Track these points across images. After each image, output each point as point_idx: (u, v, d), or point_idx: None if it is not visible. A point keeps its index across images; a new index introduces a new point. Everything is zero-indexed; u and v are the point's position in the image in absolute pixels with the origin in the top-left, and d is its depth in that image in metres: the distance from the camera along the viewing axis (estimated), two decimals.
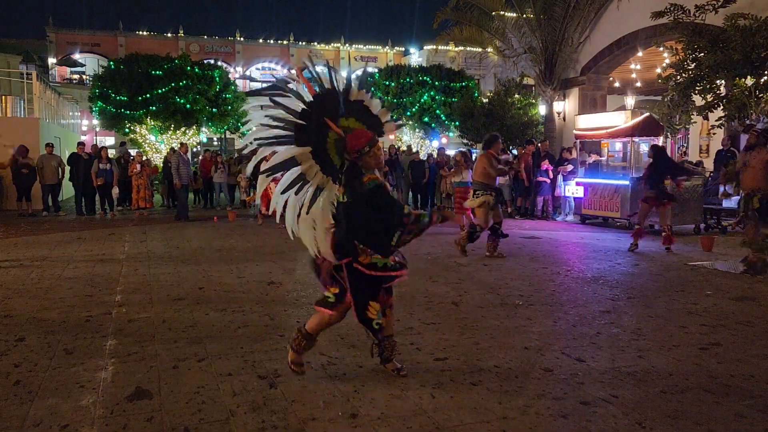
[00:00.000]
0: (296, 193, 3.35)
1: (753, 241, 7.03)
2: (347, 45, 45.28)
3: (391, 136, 27.07)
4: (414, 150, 18.98)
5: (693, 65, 12.28)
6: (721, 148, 13.74)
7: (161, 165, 18.05)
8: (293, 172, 3.34)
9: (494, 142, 8.09)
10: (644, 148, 12.21)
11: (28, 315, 5.11)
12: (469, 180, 9.75)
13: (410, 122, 23.08)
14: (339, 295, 3.49)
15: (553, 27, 17.73)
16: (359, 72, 36.56)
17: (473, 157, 16.63)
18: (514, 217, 13.69)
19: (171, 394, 3.40)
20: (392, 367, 3.66)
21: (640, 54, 16.88)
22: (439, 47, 21.66)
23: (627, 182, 11.13)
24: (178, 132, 21.31)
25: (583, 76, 18.25)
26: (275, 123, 3.33)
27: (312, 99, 3.38)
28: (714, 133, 13.45)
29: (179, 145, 15.08)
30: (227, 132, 24.01)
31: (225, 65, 37.72)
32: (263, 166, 3.35)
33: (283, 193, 3.35)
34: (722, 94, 11.87)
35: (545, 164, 13.27)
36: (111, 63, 21.95)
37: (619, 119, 12.45)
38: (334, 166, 3.41)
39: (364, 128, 3.49)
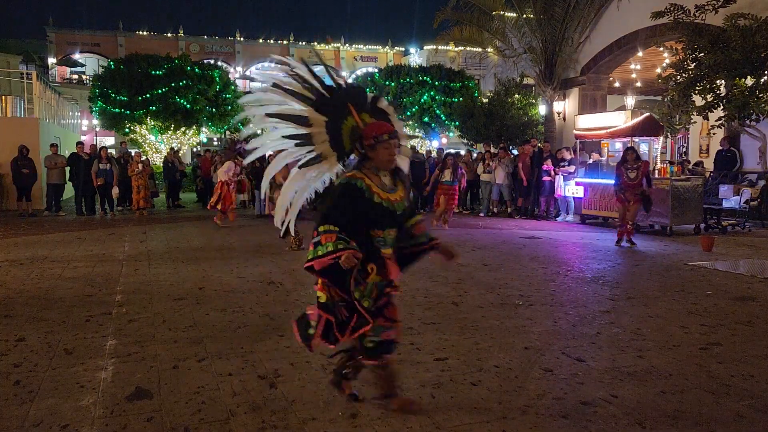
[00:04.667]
0: (296, 146, 3.07)
1: None
2: (347, 45, 45.28)
3: None
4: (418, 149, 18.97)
5: (693, 65, 12.29)
6: (721, 148, 13.76)
7: (161, 165, 18.07)
8: (300, 130, 3.05)
9: None
10: (644, 148, 12.22)
11: (28, 315, 5.11)
12: (454, 179, 11.23)
13: (410, 122, 23.08)
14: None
15: (553, 27, 17.74)
16: (358, 72, 36.33)
17: (473, 156, 16.70)
18: (514, 217, 13.70)
19: (171, 394, 3.40)
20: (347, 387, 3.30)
21: (640, 54, 16.88)
22: (439, 47, 21.72)
23: None
24: (178, 132, 21.31)
25: (583, 76, 18.25)
26: (293, 86, 3.04)
27: (340, 84, 3.14)
28: (714, 133, 13.44)
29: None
30: (227, 132, 23.99)
31: (225, 65, 37.76)
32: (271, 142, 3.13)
33: (285, 138, 3.07)
34: (722, 94, 11.88)
35: (547, 164, 13.27)
36: (111, 63, 21.98)
37: (619, 119, 12.45)
38: (343, 147, 3.09)
39: None
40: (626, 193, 9.09)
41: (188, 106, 20.37)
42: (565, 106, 18.73)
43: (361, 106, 3.13)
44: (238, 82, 33.85)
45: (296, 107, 3.04)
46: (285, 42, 44.09)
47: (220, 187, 11.86)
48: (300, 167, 3.08)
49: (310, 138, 3.05)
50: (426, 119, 23.45)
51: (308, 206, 3.17)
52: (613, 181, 11.61)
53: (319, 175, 3.10)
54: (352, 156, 3.14)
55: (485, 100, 20.60)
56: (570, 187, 12.88)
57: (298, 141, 3.05)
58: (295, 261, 7.92)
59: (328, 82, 3.11)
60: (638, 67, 18.38)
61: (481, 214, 14.42)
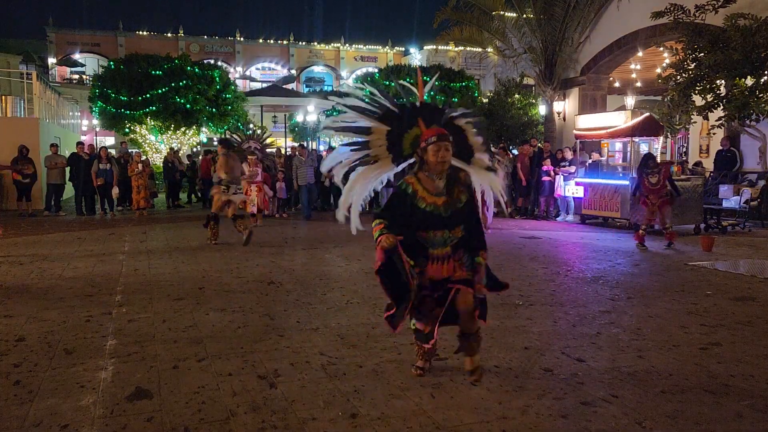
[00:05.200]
0: (351, 151, 3.54)
1: None
2: (347, 45, 45.28)
3: None
4: None
5: (693, 65, 12.29)
6: (721, 148, 13.76)
7: (161, 165, 18.07)
8: (359, 138, 3.53)
9: (222, 144, 9.78)
10: (644, 148, 12.22)
11: (28, 315, 5.11)
12: None
13: None
14: None
15: (553, 27, 17.74)
16: (358, 72, 36.35)
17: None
18: (514, 217, 13.69)
19: (171, 394, 3.40)
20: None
21: (640, 54, 16.88)
22: (439, 47, 21.75)
23: (627, 182, 11.12)
24: (178, 132, 21.31)
25: (583, 76, 18.25)
26: (366, 104, 3.52)
27: (414, 104, 3.55)
28: (714, 133, 13.44)
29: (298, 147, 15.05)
30: (227, 132, 23.99)
31: (225, 65, 37.75)
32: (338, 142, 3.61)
33: (343, 146, 3.56)
34: (722, 94, 11.88)
35: (546, 164, 13.27)
36: (111, 63, 21.95)
37: (619, 119, 12.44)
38: (401, 151, 3.50)
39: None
40: (650, 197, 8.99)
41: (188, 106, 20.35)
42: (565, 106, 18.73)
43: (433, 121, 3.48)
44: (238, 82, 33.85)
45: (362, 122, 3.54)
46: (285, 42, 44.08)
47: (246, 192, 11.69)
48: (356, 167, 3.54)
49: (367, 144, 3.53)
50: None
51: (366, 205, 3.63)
52: (613, 181, 11.71)
53: (378, 175, 3.53)
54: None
55: (485, 100, 20.59)
56: (570, 187, 12.88)
57: (354, 147, 3.54)
58: (295, 261, 7.93)
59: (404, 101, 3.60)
60: (638, 67, 18.38)
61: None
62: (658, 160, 12.50)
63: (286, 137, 26.61)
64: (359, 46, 45.84)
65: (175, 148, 19.90)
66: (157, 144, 21.47)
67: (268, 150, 14.08)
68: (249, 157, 11.86)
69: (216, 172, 9.77)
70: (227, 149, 9.58)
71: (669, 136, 15.71)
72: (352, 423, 3.02)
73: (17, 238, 10.05)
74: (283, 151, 18.01)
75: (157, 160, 20.04)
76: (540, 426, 3.00)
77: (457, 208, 3.37)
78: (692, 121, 14.82)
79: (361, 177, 3.52)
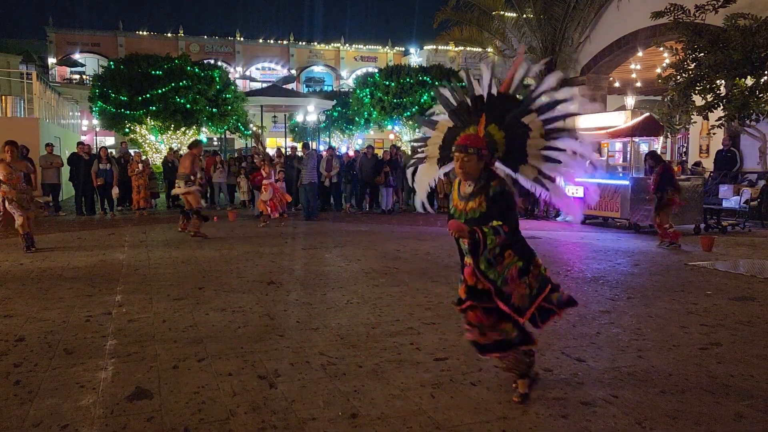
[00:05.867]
0: (417, 149, 3.60)
1: None
2: (347, 45, 45.29)
3: (391, 136, 27.14)
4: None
5: (693, 65, 12.29)
6: (721, 148, 13.76)
7: (161, 165, 18.06)
8: (424, 134, 3.60)
9: (197, 146, 10.63)
10: (644, 148, 12.22)
11: (28, 315, 5.11)
12: None
13: (410, 122, 23.10)
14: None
15: (553, 27, 17.75)
16: (358, 72, 36.14)
17: None
18: None
19: (171, 394, 3.40)
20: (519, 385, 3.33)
21: (640, 54, 16.88)
22: (439, 47, 21.76)
23: (627, 182, 11.12)
24: (178, 132, 21.31)
25: (583, 76, 18.25)
26: (450, 94, 3.45)
27: (492, 94, 3.28)
28: (714, 133, 13.44)
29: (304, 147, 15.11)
30: (227, 132, 23.99)
31: (225, 65, 37.76)
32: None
33: (412, 141, 3.64)
34: (722, 94, 11.88)
35: None
36: (111, 63, 21.94)
37: (619, 119, 12.44)
38: (447, 152, 3.35)
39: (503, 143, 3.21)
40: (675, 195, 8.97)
41: (188, 106, 20.35)
42: None
43: (497, 118, 3.21)
44: (238, 82, 33.85)
45: (435, 117, 3.53)
46: (285, 42, 44.12)
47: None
48: (417, 164, 3.58)
49: (425, 140, 3.53)
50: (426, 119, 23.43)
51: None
52: (613, 181, 11.70)
53: (427, 176, 3.50)
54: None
55: None
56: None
57: (417, 144, 3.61)
58: (295, 261, 7.93)
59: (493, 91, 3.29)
60: (638, 67, 18.38)
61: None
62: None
63: (286, 137, 26.62)
64: (359, 46, 45.87)
65: (175, 148, 19.89)
66: (157, 144, 21.47)
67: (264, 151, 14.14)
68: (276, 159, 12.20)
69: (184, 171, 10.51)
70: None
71: (669, 136, 15.73)
72: (352, 423, 3.02)
73: (17, 239, 10.05)
74: (283, 151, 18.00)
75: (157, 160, 20.03)
76: (540, 426, 3.00)
77: (472, 217, 3.11)
78: (692, 121, 14.82)
79: (421, 175, 3.54)
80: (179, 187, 10.42)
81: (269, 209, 11.74)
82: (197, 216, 10.20)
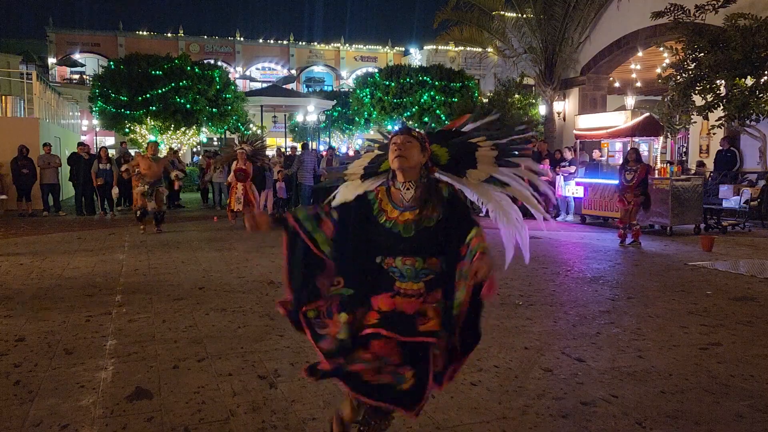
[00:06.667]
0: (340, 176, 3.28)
1: None
2: (347, 45, 45.28)
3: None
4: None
5: (693, 65, 12.29)
6: (721, 148, 13.76)
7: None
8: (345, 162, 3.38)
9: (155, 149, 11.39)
10: (644, 148, 12.23)
11: (28, 315, 5.11)
12: None
13: (410, 122, 23.08)
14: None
15: (553, 27, 17.75)
16: (358, 72, 36.17)
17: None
18: None
19: (171, 394, 3.40)
20: None
21: (640, 54, 16.89)
22: (439, 47, 21.78)
23: None
24: (178, 132, 21.31)
25: (583, 76, 18.26)
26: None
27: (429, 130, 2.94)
28: (714, 133, 13.44)
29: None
30: (227, 132, 23.98)
31: (225, 65, 37.73)
32: None
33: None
34: (722, 94, 11.88)
35: (545, 164, 13.27)
36: (111, 63, 21.93)
37: (619, 119, 12.46)
38: (377, 168, 2.88)
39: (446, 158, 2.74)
40: (626, 195, 9.16)
41: (188, 106, 20.35)
42: (565, 106, 18.73)
43: (440, 141, 2.76)
44: (238, 82, 33.83)
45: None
46: (285, 42, 44.09)
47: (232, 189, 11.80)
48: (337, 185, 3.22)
49: (347, 166, 3.11)
50: (426, 119, 23.45)
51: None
52: (613, 182, 11.70)
53: (351, 191, 2.98)
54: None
55: (485, 100, 20.59)
56: (570, 187, 12.88)
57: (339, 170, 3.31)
58: None
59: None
60: (638, 67, 18.38)
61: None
62: (658, 160, 12.53)
63: (286, 137, 26.62)
64: (359, 46, 45.85)
65: (175, 148, 19.89)
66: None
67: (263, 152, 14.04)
68: (239, 153, 11.88)
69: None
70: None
71: (669, 136, 15.72)
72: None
73: (17, 238, 10.05)
74: (283, 151, 18.01)
75: None
76: (540, 426, 3.00)
77: (425, 226, 2.46)
78: (692, 121, 14.82)
79: (340, 196, 3.07)
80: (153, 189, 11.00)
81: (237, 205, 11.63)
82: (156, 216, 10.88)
